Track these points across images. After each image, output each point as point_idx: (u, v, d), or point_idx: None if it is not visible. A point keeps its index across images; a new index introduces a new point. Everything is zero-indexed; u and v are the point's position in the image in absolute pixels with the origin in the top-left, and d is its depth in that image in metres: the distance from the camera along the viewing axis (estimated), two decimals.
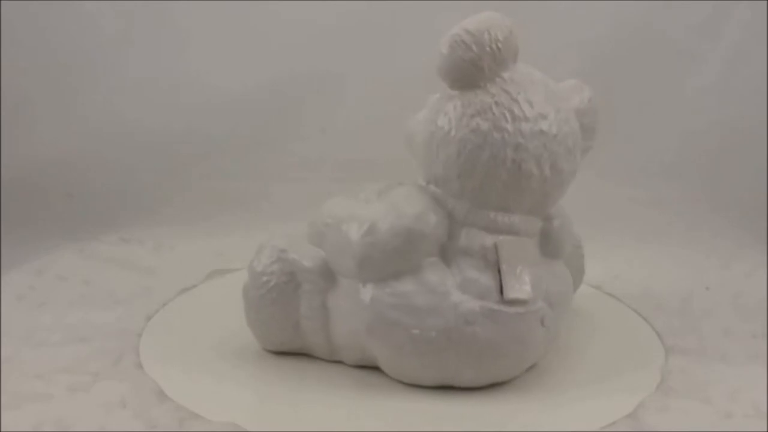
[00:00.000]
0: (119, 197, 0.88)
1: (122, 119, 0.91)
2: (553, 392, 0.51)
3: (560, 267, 0.53)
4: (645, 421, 0.47)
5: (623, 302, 0.67)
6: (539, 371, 0.53)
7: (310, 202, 0.55)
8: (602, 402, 0.50)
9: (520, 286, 0.47)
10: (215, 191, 0.89)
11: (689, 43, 0.92)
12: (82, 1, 0.89)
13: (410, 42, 0.80)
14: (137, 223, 0.84)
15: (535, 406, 0.49)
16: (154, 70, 0.92)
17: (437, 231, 0.48)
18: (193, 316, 0.62)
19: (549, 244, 0.51)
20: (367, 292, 0.48)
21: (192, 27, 0.92)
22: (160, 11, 0.91)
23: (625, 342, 0.59)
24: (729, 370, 0.54)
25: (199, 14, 0.92)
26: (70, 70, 0.90)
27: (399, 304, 0.48)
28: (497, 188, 0.47)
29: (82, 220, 0.84)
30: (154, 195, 0.89)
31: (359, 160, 0.89)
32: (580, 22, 0.91)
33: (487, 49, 0.46)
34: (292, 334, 0.53)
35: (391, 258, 0.48)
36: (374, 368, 0.52)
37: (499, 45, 0.46)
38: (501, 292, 0.47)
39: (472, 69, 0.47)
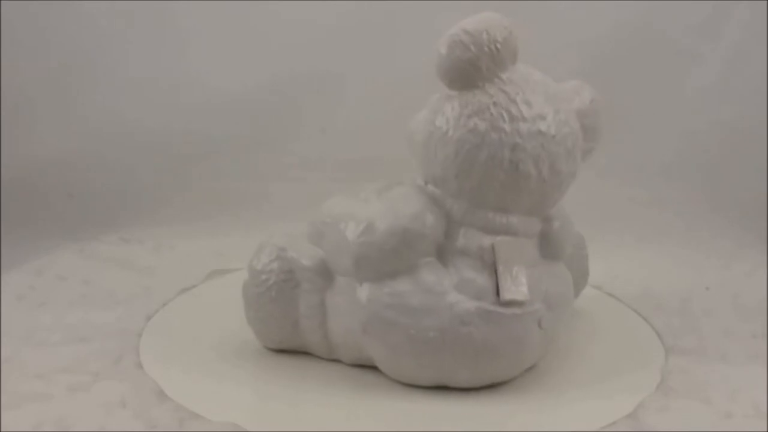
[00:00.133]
0: (119, 197, 0.88)
1: (122, 119, 0.91)
2: (553, 392, 0.51)
3: (560, 269, 0.52)
4: (645, 421, 0.47)
5: (623, 302, 0.67)
6: (539, 371, 0.53)
7: (310, 202, 0.55)
8: (602, 402, 0.50)
9: (516, 288, 0.47)
10: (215, 191, 0.89)
11: (689, 43, 0.92)
12: (82, 1, 0.89)
13: (410, 42, 0.80)
14: (137, 223, 0.84)
15: (535, 406, 0.49)
16: (154, 70, 0.92)
17: (434, 231, 0.48)
18: (193, 316, 0.62)
19: (548, 246, 0.51)
20: (364, 291, 0.49)
21: (192, 27, 0.92)
22: (160, 11, 0.91)
23: (625, 342, 0.59)
24: (729, 370, 0.54)
25: (199, 14, 0.92)
26: (70, 70, 0.90)
27: (395, 304, 0.48)
28: (495, 188, 0.47)
29: (82, 220, 0.84)
30: (154, 195, 0.89)
31: (359, 160, 0.89)
32: (580, 22, 0.91)
33: (486, 49, 0.46)
34: (291, 332, 0.54)
35: (388, 257, 0.48)
36: (373, 368, 0.52)
37: (498, 45, 0.46)
38: (497, 293, 0.47)
39: (470, 69, 0.47)
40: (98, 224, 0.83)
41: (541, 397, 0.50)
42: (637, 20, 0.92)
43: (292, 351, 0.55)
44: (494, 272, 0.47)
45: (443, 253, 0.49)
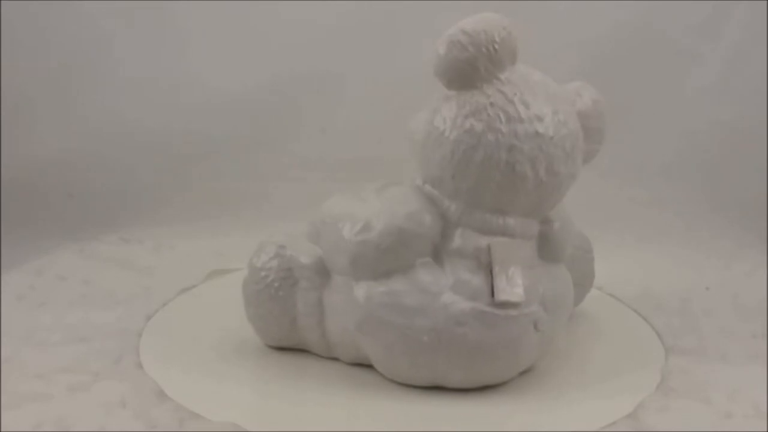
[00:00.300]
0: (119, 197, 0.88)
1: (122, 119, 0.91)
2: (553, 392, 0.51)
3: (560, 271, 0.52)
4: (645, 421, 0.47)
5: (623, 302, 0.67)
6: (538, 371, 0.53)
7: (310, 202, 0.55)
8: (602, 402, 0.50)
9: (511, 289, 0.47)
10: (215, 191, 0.89)
11: (689, 43, 0.92)
12: (82, 1, 0.89)
13: (410, 42, 0.80)
14: (137, 223, 0.84)
15: (535, 406, 0.49)
16: (154, 70, 0.92)
17: (430, 231, 0.48)
18: (193, 316, 0.62)
19: (547, 248, 0.51)
20: (360, 290, 0.49)
21: (192, 27, 0.92)
22: (160, 11, 0.91)
23: (625, 342, 0.59)
24: (729, 370, 0.54)
25: (199, 14, 0.92)
26: (70, 70, 0.90)
27: (390, 303, 0.48)
28: (491, 189, 0.47)
29: (82, 220, 0.84)
30: (154, 195, 0.89)
31: (359, 160, 0.89)
32: (580, 22, 0.91)
33: (483, 49, 0.46)
34: (290, 330, 0.54)
35: (384, 257, 0.48)
36: (372, 367, 0.52)
37: (496, 46, 0.46)
38: (493, 294, 0.47)
39: (467, 69, 0.47)
40: (98, 224, 0.83)
41: (540, 397, 0.50)
42: (637, 20, 0.92)
43: (291, 350, 0.55)
44: (490, 273, 0.47)
45: (440, 254, 0.49)
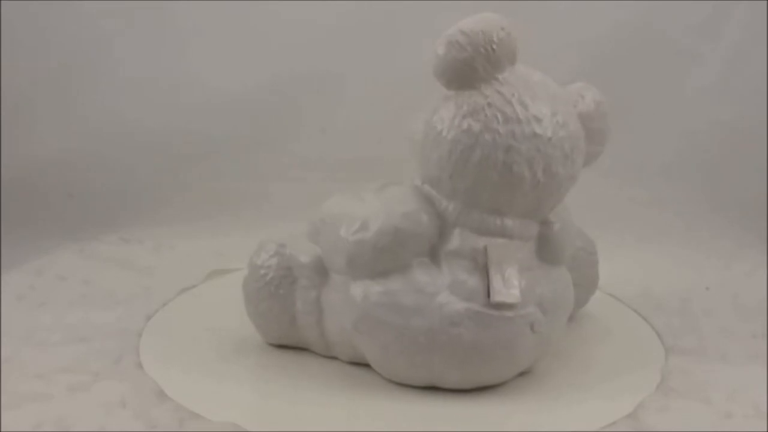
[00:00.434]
0: (119, 197, 0.88)
1: (122, 119, 0.91)
2: (553, 392, 0.51)
3: (560, 273, 0.52)
4: (645, 421, 0.47)
5: (623, 302, 0.67)
6: (538, 372, 0.53)
7: (310, 202, 0.55)
8: (602, 402, 0.50)
9: (507, 290, 0.47)
10: (215, 191, 0.89)
11: (689, 43, 0.92)
12: (82, 1, 0.89)
13: (410, 42, 0.80)
14: (137, 223, 0.84)
15: (534, 406, 0.49)
16: (154, 70, 0.92)
17: (427, 231, 0.48)
18: (193, 316, 0.62)
19: (547, 249, 0.50)
20: (356, 289, 0.49)
21: (192, 27, 0.92)
22: (160, 11, 0.91)
23: (625, 342, 0.59)
24: (729, 370, 0.54)
25: (199, 14, 0.92)
26: (70, 70, 0.90)
27: (386, 303, 0.48)
28: (488, 190, 0.47)
29: (82, 220, 0.84)
30: (154, 195, 0.89)
31: (359, 160, 0.89)
32: (580, 22, 0.91)
33: (482, 50, 0.46)
34: (289, 328, 0.54)
35: (380, 256, 0.48)
36: (371, 366, 0.52)
37: (494, 46, 0.46)
38: (488, 295, 0.47)
39: (466, 69, 0.46)
40: (98, 224, 0.83)
41: (540, 397, 0.50)
42: (637, 20, 0.91)
43: (291, 349, 0.55)
44: (486, 274, 0.47)
45: (437, 254, 0.49)
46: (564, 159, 0.47)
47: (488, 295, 0.47)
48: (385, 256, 0.48)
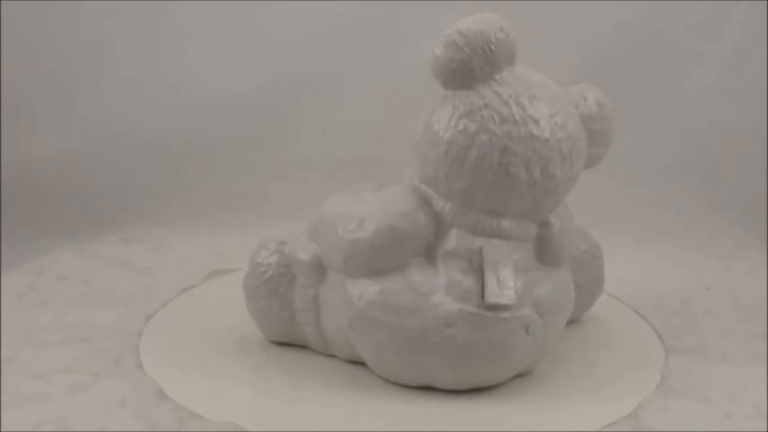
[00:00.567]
0: (119, 197, 0.88)
1: (122, 119, 0.91)
2: (553, 392, 0.51)
3: (559, 275, 0.51)
4: (645, 421, 0.47)
5: (623, 302, 0.67)
6: (538, 372, 0.53)
7: (310, 202, 0.55)
8: (602, 402, 0.50)
9: (501, 291, 0.46)
10: (215, 191, 0.89)
11: (689, 43, 0.92)
12: (82, 1, 0.89)
13: (410, 42, 0.80)
14: (137, 223, 0.84)
15: (535, 406, 0.49)
16: (154, 70, 0.92)
17: (424, 231, 0.48)
18: (193, 316, 0.62)
19: (546, 251, 0.50)
20: (352, 288, 0.49)
21: (192, 27, 0.92)
22: (160, 11, 0.91)
23: (625, 342, 0.59)
24: (729, 370, 0.54)
25: (199, 14, 0.92)
26: (70, 70, 0.90)
27: (381, 302, 0.48)
28: (484, 190, 0.47)
29: (82, 220, 0.84)
30: (154, 195, 0.89)
31: (359, 160, 0.89)
32: (580, 22, 0.91)
33: (479, 50, 0.46)
34: (289, 326, 0.54)
35: (377, 255, 0.48)
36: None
37: (492, 47, 0.46)
38: (483, 295, 0.47)
39: (463, 70, 0.46)
40: (98, 224, 0.83)
41: (540, 397, 0.50)
42: (637, 20, 0.91)
43: (291, 349, 0.55)
44: (482, 275, 0.47)
45: (434, 254, 0.49)
46: (562, 160, 0.47)
47: (483, 296, 0.47)
48: (381, 255, 0.48)
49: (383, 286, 0.48)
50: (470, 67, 0.46)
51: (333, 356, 0.54)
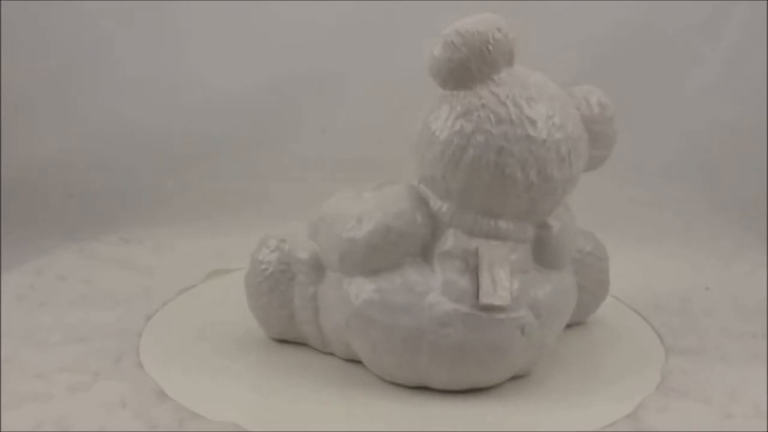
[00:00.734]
0: (119, 197, 0.88)
1: (122, 119, 0.91)
2: (552, 392, 0.51)
3: (559, 277, 0.51)
4: (645, 421, 0.47)
5: (623, 302, 0.67)
6: (538, 372, 0.53)
7: (310, 202, 0.55)
8: (602, 402, 0.50)
9: (496, 292, 0.46)
10: (215, 191, 0.89)
11: (689, 43, 0.92)
12: (82, 1, 0.89)
13: (410, 42, 0.80)
14: (137, 223, 0.84)
15: (535, 406, 0.49)
16: (154, 70, 0.92)
17: (420, 230, 0.48)
18: (193, 316, 0.62)
19: (544, 252, 0.50)
20: (349, 287, 0.49)
21: (192, 27, 0.92)
22: (160, 11, 0.91)
23: (626, 342, 0.59)
24: (729, 370, 0.54)
25: (199, 14, 0.92)
26: (70, 70, 0.90)
27: (377, 301, 0.48)
28: (481, 191, 0.47)
29: (82, 220, 0.84)
30: (154, 195, 0.89)
31: (359, 160, 0.89)
32: (580, 22, 0.91)
33: (477, 50, 0.46)
34: (288, 324, 0.55)
35: (372, 254, 0.48)
36: None
37: (489, 47, 0.46)
38: (478, 296, 0.47)
39: (460, 70, 0.46)
40: (98, 224, 0.83)
41: (540, 397, 0.50)
42: (637, 20, 0.92)
43: (291, 348, 0.56)
44: (477, 275, 0.47)
45: (431, 254, 0.48)
46: (560, 162, 0.47)
47: (477, 297, 0.47)
48: (377, 254, 0.48)
49: (379, 285, 0.48)
50: (468, 68, 0.46)
51: (332, 354, 0.55)
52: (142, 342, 0.56)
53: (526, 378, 0.52)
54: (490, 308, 0.47)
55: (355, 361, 0.53)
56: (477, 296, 0.46)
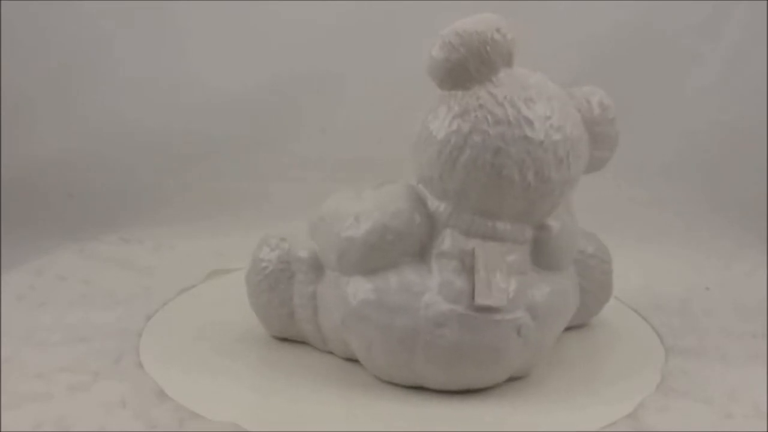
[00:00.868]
0: (119, 197, 0.88)
1: (122, 119, 0.91)
2: (552, 392, 0.51)
3: (559, 279, 0.51)
4: (645, 421, 0.47)
5: (623, 302, 0.67)
6: (538, 371, 0.53)
7: (310, 202, 0.55)
8: (602, 402, 0.49)
9: (491, 293, 0.46)
10: (215, 191, 0.89)
11: (689, 43, 0.92)
12: (82, 1, 0.89)
13: (410, 42, 0.80)
14: (137, 223, 0.84)
15: (534, 406, 0.49)
16: (154, 70, 0.92)
17: (417, 230, 0.48)
18: (193, 316, 0.62)
19: (543, 254, 0.49)
20: (346, 286, 0.49)
21: (192, 27, 0.92)
22: (160, 11, 0.91)
23: (626, 342, 0.59)
24: (729, 370, 0.54)
25: (199, 14, 0.92)
26: (70, 70, 0.90)
27: (373, 300, 0.48)
28: (477, 191, 0.47)
29: (82, 220, 0.84)
30: (154, 195, 0.89)
31: (359, 160, 0.89)
32: (580, 22, 0.91)
33: (474, 51, 0.46)
34: (288, 322, 0.55)
35: (369, 253, 0.48)
36: None
37: (488, 48, 0.46)
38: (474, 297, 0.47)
39: (458, 70, 0.46)
40: (98, 224, 0.83)
41: (540, 397, 0.50)
42: (637, 20, 0.92)
43: (290, 348, 0.56)
44: (473, 276, 0.47)
45: (428, 254, 0.48)
46: (558, 163, 0.47)
47: (473, 297, 0.47)
48: (374, 253, 0.48)
49: (376, 284, 0.48)
50: (465, 68, 0.46)
51: (332, 353, 0.55)
52: (142, 342, 0.56)
53: (526, 379, 0.52)
54: (485, 309, 0.46)
55: (355, 360, 0.53)
56: (473, 297, 0.46)
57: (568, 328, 0.58)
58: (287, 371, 0.53)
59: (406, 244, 0.48)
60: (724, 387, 0.51)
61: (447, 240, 0.48)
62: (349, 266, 0.49)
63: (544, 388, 0.51)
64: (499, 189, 0.46)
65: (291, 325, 0.55)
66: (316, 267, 0.53)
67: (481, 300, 0.46)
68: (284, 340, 0.57)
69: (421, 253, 0.49)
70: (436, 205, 0.49)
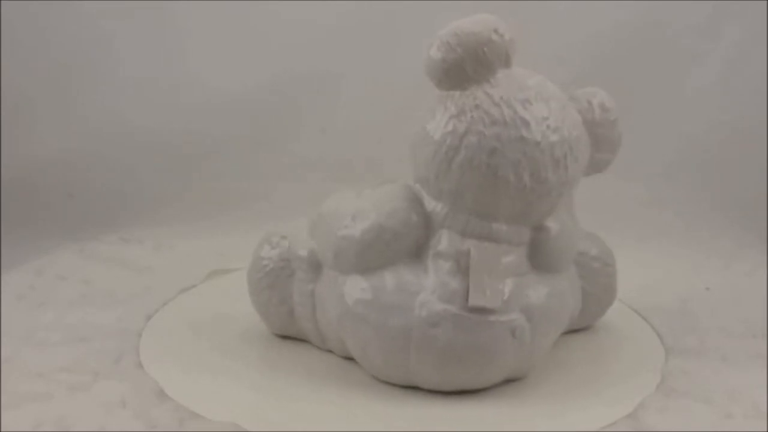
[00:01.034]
0: (119, 197, 0.88)
1: (122, 119, 0.91)
2: (553, 393, 0.51)
3: (557, 281, 0.50)
4: (645, 421, 0.47)
5: (623, 302, 0.67)
6: (538, 371, 0.53)
7: (310, 202, 0.55)
8: (602, 402, 0.49)
9: (485, 294, 0.46)
10: (215, 191, 0.89)
11: (689, 43, 0.92)
12: (82, 1, 0.89)
13: (410, 42, 0.80)
14: (137, 223, 0.84)
15: (534, 406, 0.49)
16: (154, 70, 0.92)
17: (414, 230, 0.48)
18: (193, 316, 0.62)
19: (541, 256, 0.49)
20: (342, 285, 0.49)
21: (192, 27, 0.92)
22: (160, 11, 0.91)
23: (625, 342, 0.59)
24: (729, 370, 0.54)
25: (199, 14, 0.92)
26: (70, 70, 0.90)
27: (368, 299, 0.48)
28: (473, 192, 0.47)
29: (82, 220, 0.84)
30: (154, 195, 0.89)
31: (359, 160, 0.89)
32: (580, 22, 0.91)
33: (472, 51, 0.46)
34: (289, 320, 0.55)
35: (365, 252, 0.48)
36: None
37: (485, 48, 0.46)
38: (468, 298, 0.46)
39: (456, 70, 0.46)
40: (98, 224, 0.83)
41: (539, 397, 0.50)
42: (637, 20, 0.92)
43: (290, 348, 0.56)
44: (467, 277, 0.47)
45: (425, 254, 0.48)
46: (555, 164, 0.46)
47: (468, 298, 0.46)
48: (370, 252, 0.48)
49: (371, 283, 0.48)
50: (463, 68, 0.46)
51: (331, 352, 0.55)
52: (142, 342, 0.56)
53: (526, 379, 0.52)
54: (479, 310, 0.46)
55: (354, 359, 0.53)
56: (467, 297, 0.46)
57: (571, 332, 0.58)
58: (287, 371, 0.53)
59: (403, 244, 0.48)
60: (724, 387, 0.51)
61: (443, 240, 0.48)
62: (346, 265, 0.49)
63: (543, 388, 0.51)
64: (494, 190, 0.46)
65: (291, 323, 0.55)
66: (316, 265, 0.53)
67: (475, 301, 0.46)
68: (285, 338, 0.57)
69: (418, 252, 0.49)
70: (432, 205, 0.49)
